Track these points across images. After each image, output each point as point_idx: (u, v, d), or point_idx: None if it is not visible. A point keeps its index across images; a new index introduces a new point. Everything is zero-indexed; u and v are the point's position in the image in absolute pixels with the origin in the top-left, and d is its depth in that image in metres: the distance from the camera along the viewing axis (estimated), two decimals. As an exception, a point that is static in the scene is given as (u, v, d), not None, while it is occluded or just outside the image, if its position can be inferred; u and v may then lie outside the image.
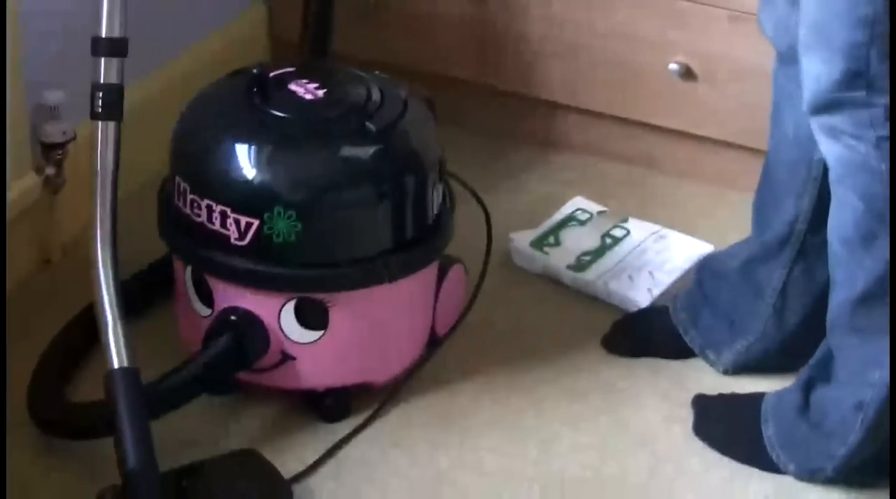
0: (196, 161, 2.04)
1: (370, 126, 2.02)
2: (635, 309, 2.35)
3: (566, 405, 2.20)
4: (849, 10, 1.78)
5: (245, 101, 2.05)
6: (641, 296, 2.36)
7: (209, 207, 2.00)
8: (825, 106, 1.86)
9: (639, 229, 2.50)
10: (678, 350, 2.30)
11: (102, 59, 1.95)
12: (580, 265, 2.42)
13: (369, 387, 2.13)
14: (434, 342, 2.21)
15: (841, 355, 2.01)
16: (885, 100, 1.82)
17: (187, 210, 2.02)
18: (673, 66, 2.57)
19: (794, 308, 2.19)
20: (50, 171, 2.33)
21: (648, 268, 2.43)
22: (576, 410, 2.19)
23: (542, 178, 2.72)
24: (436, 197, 2.10)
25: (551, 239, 2.45)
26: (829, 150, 1.89)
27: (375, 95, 2.08)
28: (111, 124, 1.96)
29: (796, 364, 2.16)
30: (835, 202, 1.93)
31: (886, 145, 1.85)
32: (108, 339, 1.89)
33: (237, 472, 1.97)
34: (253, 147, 2.01)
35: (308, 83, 2.08)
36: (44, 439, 2.04)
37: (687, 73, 2.57)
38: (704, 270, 2.29)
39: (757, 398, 2.14)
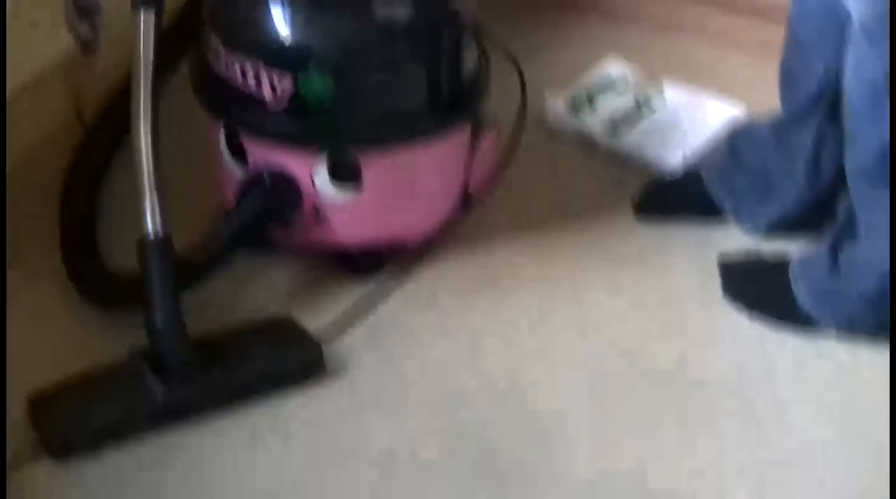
0: (231, 20, 2.04)
1: None
2: (668, 171, 2.34)
3: (600, 269, 2.20)
4: None
5: None
6: (674, 159, 2.36)
7: (244, 67, 1.99)
8: None
9: (674, 93, 2.50)
10: (709, 213, 2.30)
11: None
12: (615, 130, 2.41)
13: (402, 246, 2.14)
14: (468, 203, 2.20)
15: (865, 211, 2.02)
16: None
17: (222, 70, 2.01)
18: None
19: (828, 168, 2.16)
20: (85, 31, 2.30)
21: (682, 132, 2.42)
22: (609, 273, 2.19)
23: (580, 43, 2.71)
24: (470, 57, 2.09)
25: (586, 101, 2.45)
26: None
27: None
28: (151, 13, 1.96)
29: (830, 224, 2.14)
30: (860, 50, 1.90)
31: None
32: (145, 206, 1.92)
33: (268, 336, 2.01)
34: (290, 7, 2.00)
35: None
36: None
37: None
38: (737, 135, 2.28)
39: (784, 259, 2.15)
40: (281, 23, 1.99)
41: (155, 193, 1.93)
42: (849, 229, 2.04)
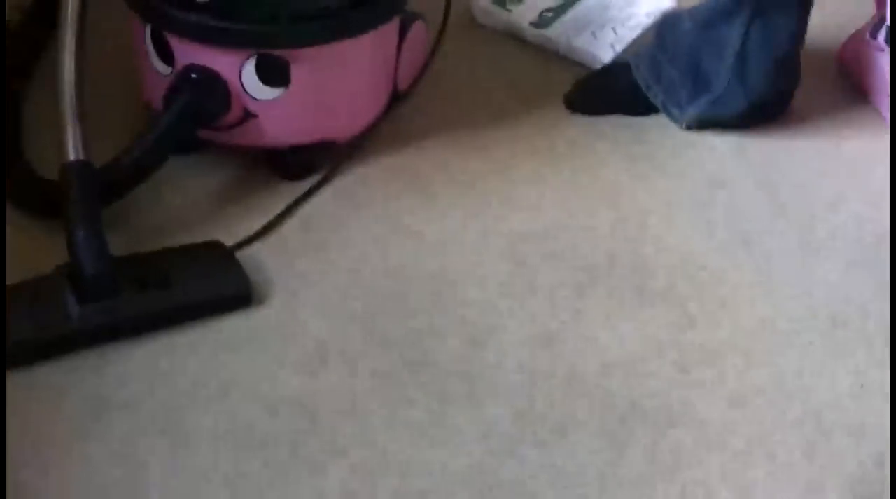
0: None
1: None
2: (598, 65, 2.25)
3: (529, 164, 2.12)
4: None
5: None
6: (604, 52, 2.24)
7: None
8: None
9: None
10: (640, 107, 2.21)
11: None
12: (543, 21, 2.28)
13: (332, 144, 2.07)
14: (396, 99, 2.14)
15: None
16: None
17: None
18: None
19: (755, 65, 2.10)
20: None
21: (612, 24, 2.29)
22: (538, 168, 2.11)
23: None
24: None
25: None
26: None
27: None
28: None
29: (758, 119, 2.15)
30: None
31: None
32: (66, 134, 1.85)
33: (195, 262, 1.91)
34: None
35: None
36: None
37: None
38: (666, 27, 2.21)
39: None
40: None
41: (77, 121, 1.85)
42: None
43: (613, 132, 2.16)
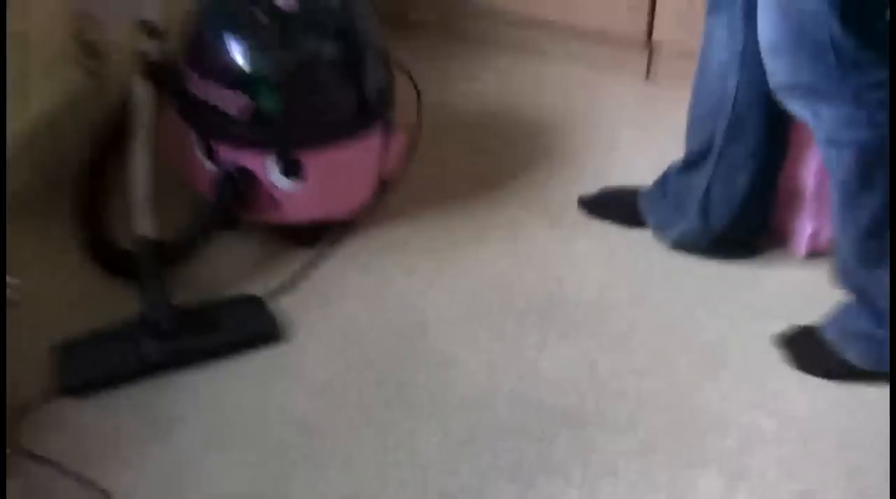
0: (203, 55, 1.96)
1: (330, 27, 1.95)
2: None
3: (490, 231, 2.10)
4: None
5: (240, 7, 1.95)
6: None
7: (215, 90, 1.92)
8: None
9: None
10: (635, 223, 2.10)
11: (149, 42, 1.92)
12: None
13: (335, 221, 2.05)
14: (383, 187, 2.10)
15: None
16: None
17: (198, 93, 1.94)
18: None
19: (718, 210, 1.98)
20: (92, 63, 2.16)
21: None
22: (502, 234, 2.09)
23: (462, 65, 2.54)
24: (382, 76, 2.02)
25: None
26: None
27: (335, 2, 1.97)
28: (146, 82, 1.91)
29: (727, 255, 2.03)
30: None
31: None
32: (139, 216, 1.86)
33: (235, 309, 1.90)
34: (246, 43, 1.91)
35: None
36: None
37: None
38: (667, 170, 2.09)
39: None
40: (241, 59, 1.91)
41: (146, 205, 1.86)
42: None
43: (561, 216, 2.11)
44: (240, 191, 1.94)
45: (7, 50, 1.95)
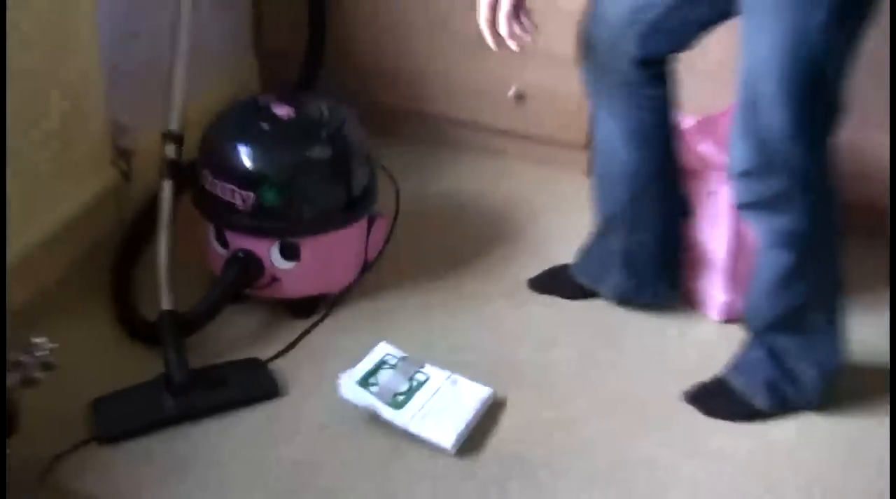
0: (216, 158, 2.00)
1: (322, 134, 1.99)
2: (444, 448, 1.78)
3: (459, 303, 2.12)
4: None
5: (247, 118, 2.01)
6: (446, 437, 1.79)
7: (225, 187, 1.96)
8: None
9: (435, 374, 1.89)
10: (578, 296, 2.10)
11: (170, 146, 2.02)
12: (396, 403, 1.83)
13: (326, 295, 2.08)
14: (366, 266, 2.13)
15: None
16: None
17: (209, 188, 1.98)
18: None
19: (639, 269, 1.99)
20: (123, 165, 2.22)
21: (449, 409, 1.82)
22: (457, 308, 2.11)
23: (438, 165, 2.58)
24: (365, 176, 2.06)
25: (371, 380, 1.87)
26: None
27: (326, 114, 2.02)
28: (170, 182, 2.02)
29: (651, 305, 2.05)
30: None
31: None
32: (162, 291, 1.92)
33: (241, 370, 1.92)
34: (251, 148, 1.96)
35: (285, 106, 2.00)
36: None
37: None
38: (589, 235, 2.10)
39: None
40: (248, 161, 1.96)
41: (168, 284, 1.92)
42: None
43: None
44: (246, 271, 1.97)
45: (50, 150, 1.99)
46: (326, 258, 2.03)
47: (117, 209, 2.19)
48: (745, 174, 1.65)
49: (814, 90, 1.56)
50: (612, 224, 1.97)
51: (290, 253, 1.98)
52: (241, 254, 1.98)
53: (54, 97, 1.98)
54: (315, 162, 1.98)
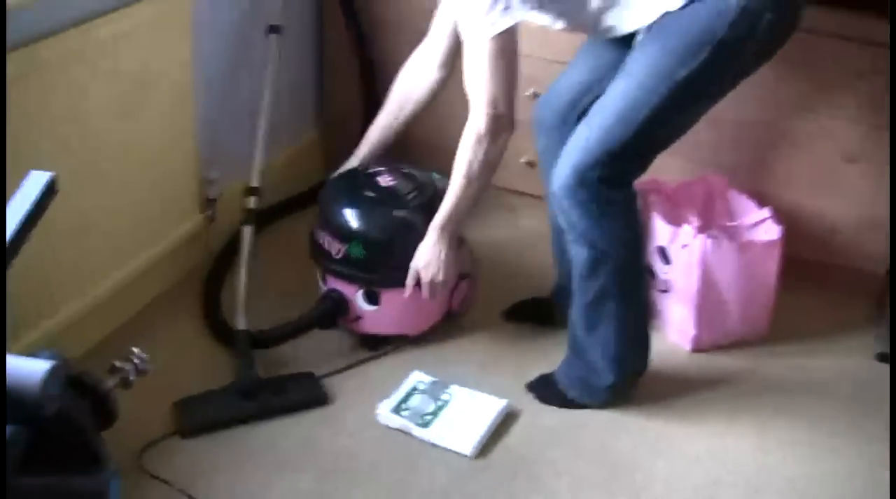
0: (323, 213, 1.99)
1: (408, 203, 1.93)
2: (465, 455, 1.76)
3: (510, 353, 2.00)
4: None
5: (352, 183, 1.98)
6: (466, 445, 1.77)
7: (325, 238, 1.96)
8: None
9: (458, 393, 1.87)
10: (548, 321, 2.02)
11: (251, 198, 2.09)
12: (424, 422, 1.81)
13: (406, 336, 2.01)
14: (451, 315, 2.03)
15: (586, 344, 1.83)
16: None
17: (316, 237, 2.00)
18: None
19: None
20: (210, 211, 2.22)
21: (469, 421, 1.80)
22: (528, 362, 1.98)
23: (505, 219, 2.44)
24: None
25: (403, 406, 1.83)
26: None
27: (421, 182, 1.97)
28: (250, 227, 2.07)
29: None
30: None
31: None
32: (239, 314, 1.93)
33: (297, 382, 1.88)
34: (347, 208, 1.94)
35: (387, 177, 1.98)
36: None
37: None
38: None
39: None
40: (340, 220, 1.93)
41: (243, 309, 1.93)
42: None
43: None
44: (336, 307, 1.96)
45: (155, 199, 2.02)
46: (403, 306, 1.95)
47: (205, 245, 2.23)
48: (557, 198, 1.67)
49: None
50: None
51: (372, 298, 1.97)
52: (333, 293, 1.98)
53: (160, 158, 2.04)
54: (396, 226, 1.92)
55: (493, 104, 1.63)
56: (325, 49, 2.46)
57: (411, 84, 1.93)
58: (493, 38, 1.57)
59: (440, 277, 1.82)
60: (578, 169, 1.61)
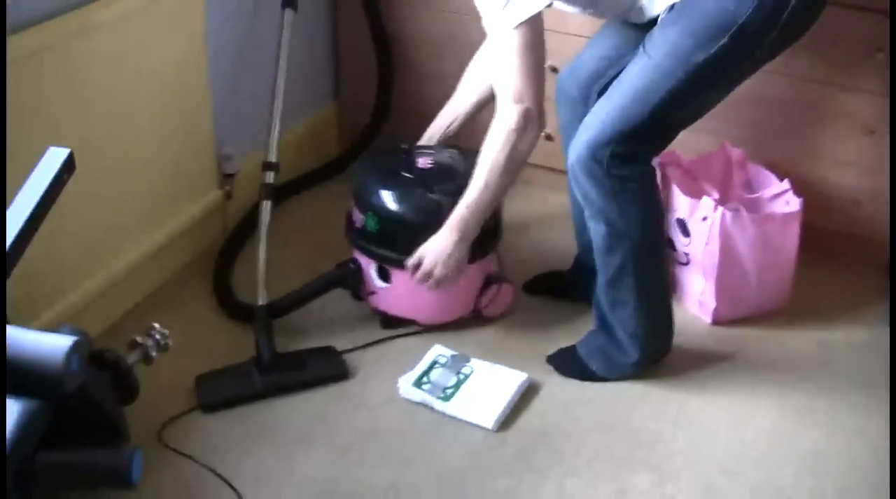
0: (357, 186, 1.96)
1: (431, 188, 1.87)
2: (486, 428, 1.75)
3: (541, 339, 1.94)
4: None
5: (389, 160, 1.95)
6: (488, 418, 1.76)
7: (353, 207, 1.95)
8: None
9: (479, 366, 1.85)
10: (567, 295, 2.00)
11: (269, 173, 2.05)
12: (445, 396, 1.80)
13: (417, 322, 1.97)
14: (478, 315, 1.97)
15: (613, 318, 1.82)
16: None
17: (350, 210, 1.98)
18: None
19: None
20: (227, 187, 2.21)
21: (490, 394, 1.79)
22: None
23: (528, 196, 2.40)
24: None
25: (424, 380, 1.81)
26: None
27: (460, 169, 1.89)
28: (268, 202, 2.02)
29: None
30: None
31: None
32: (259, 290, 1.90)
33: (318, 355, 1.88)
34: (372, 181, 1.92)
35: (427, 159, 1.94)
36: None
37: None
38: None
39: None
40: (361, 191, 1.93)
41: (263, 284, 1.90)
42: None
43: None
44: (348, 276, 1.96)
45: (171, 175, 2.00)
46: (415, 290, 1.87)
47: (222, 221, 2.24)
48: (573, 171, 1.66)
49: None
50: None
51: (384, 275, 1.95)
52: (352, 263, 1.98)
53: (175, 135, 2.04)
54: (412, 207, 1.86)
55: (520, 99, 1.59)
56: (339, 23, 2.44)
57: (482, 67, 1.86)
58: (519, 31, 1.54)
59: (438, 272, 1.76)
60: (592, 145, 1.60)
